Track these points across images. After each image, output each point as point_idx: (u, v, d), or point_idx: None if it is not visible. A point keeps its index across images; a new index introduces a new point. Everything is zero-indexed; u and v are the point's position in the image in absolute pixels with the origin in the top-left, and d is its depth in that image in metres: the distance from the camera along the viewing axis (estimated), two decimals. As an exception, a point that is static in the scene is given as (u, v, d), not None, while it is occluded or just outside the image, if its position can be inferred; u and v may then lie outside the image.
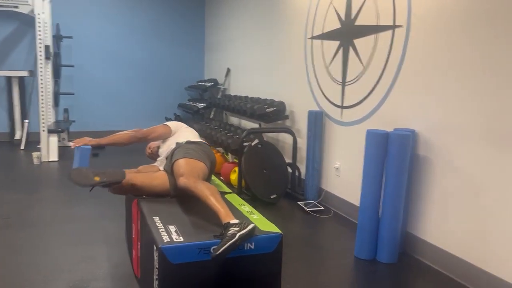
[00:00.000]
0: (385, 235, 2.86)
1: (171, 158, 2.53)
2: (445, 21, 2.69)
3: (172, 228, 2.01)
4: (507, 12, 2.29)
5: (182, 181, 2.23)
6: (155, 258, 1.88)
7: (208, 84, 7.03)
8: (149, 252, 2.05)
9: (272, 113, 4.63)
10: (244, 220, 1.96)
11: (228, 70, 6.78)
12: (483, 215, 2.47)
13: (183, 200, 2.46)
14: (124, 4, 7.46)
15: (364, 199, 2.92)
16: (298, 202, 4.02)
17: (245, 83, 6.15)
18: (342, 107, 3.82)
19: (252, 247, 1.95)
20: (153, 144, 3.04)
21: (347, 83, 3.73)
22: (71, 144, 2.69)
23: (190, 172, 2.30)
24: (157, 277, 1.87)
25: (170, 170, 2.50)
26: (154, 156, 3.05)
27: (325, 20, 4.02)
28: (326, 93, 4.04)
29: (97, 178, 2.23)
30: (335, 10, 3.86)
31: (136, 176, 2.46)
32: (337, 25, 3.84)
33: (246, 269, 1.97)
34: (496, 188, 2.39)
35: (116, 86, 7.60)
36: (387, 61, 3.22)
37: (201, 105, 6.94)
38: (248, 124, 5.83)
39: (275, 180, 4.13)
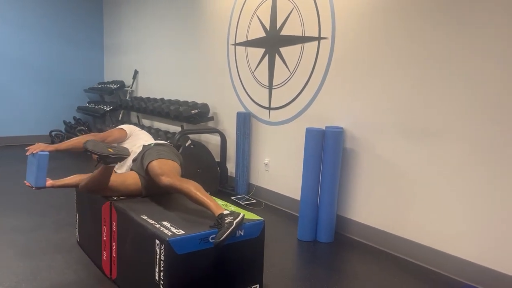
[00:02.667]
0: (324, 219, 3.33)
1: (141, 160, 2.63)
2: (365, 33, 3.25)
3: (166, 224, 2.16)
4: (417, 26, 2.90)
5: (166, 180, 2.37)
6: (159, 251, 2.02)
7: (114, 86, 6.88)
8: (142, 248, 2.17)
9: (197, 115, 4.83)
10: (234, 211, 2.20)
11: (136, 72, 6.73)
12: (402, 194, 3.08)
13: (157, 199, 2.59)
14: (14, 1, 6.86)
15: (305, 188, 3.35)
16: (232, 198, 4.32)
17: (157, 85, 6.19)
18: (269, 108, 4.22)
19: (242, 233, 2.21)
20: (104, 148, 3.04)
21: (274, 87, 4.14)
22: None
23: (170, 172, 2.44)
24: (162, 268, 2.01)
25: (141, 171, 2.60)
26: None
27: (249, 29, 4.37)
28: (253, 96, 4.40)
29: (110, 150, 2.32)
30: (259, 20, 4.23)
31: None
32: (261, 33, 4.22)
33: (238, 253, 2.21)
34: (411, 171, 3.00)
35: (8, 88, 6.96)
36: (313, 68, 3.69)
37: (107, 107, 6.77)
38: (162, 126, 5.92)
39: (208, 178, 4.35)
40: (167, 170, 2.45)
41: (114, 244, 2.50)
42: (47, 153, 2.55)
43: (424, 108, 2.90)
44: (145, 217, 2.25)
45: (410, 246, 3.02)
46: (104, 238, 2.59)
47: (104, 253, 2.60)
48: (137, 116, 6.38)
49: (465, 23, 2.64)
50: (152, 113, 5.46)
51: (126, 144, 2.86)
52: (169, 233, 2.03)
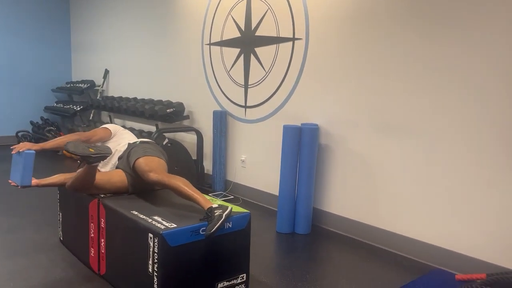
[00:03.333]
0: (301, 212, 3.49)
1: (127, 158, 2.69)
2: (337, 35, 3.43)
3: (157, 218, 2.24)
4: (385, 28, 3.10)
5: (154, 176, 2.45)
6: (152, 244, 2.11)
7: (84, 85, 6.80)
8: (134, 242, 2.25)
9: (172, 114, 4.89)
10: (221, 204, 2.31)
11: (107, 72, 6.69)
12: (374, 186, 3.28)
13: (143, 195, 2.67)
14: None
15: (283, 182, 3.49)
16: (209, 194, 4.40)
17: (129, 84, 6.19)
18: (246, 107, 4.34)
19: (230, 225, 2.32)
20: (86, 147, 3.08)
21: (250, 86, 4.27)
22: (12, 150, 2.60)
23: (157, 168, 2.53)
24: (156, 261, 2.10)
25: (128, 168, 2.67)
26: (87, 158, 3.10)
27: (224, 29, 4.48)
28: (229, 94, 4.51)
29: (91, 150, 2.36)
30: (234, 20, 4.35)
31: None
32: (236, 34, 4.34)
33: (226, 244, 2.33)
34: (382, 164, 3.21)
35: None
36: (288, 67, 3.85)
37: (77, 107, 6.70)
38: (136, 125, 5.94)
39: (185, 176, 4.39)
40: (154, 166, 2.53)
41: (102, 240, 2.55)
42: (33, 151, 2.57)
43: (393, 106, 3.11)
44: (136, 213, 2.33)
45: (383, 234, 3.22)
46: (92, 235, 2.64)
47: (92, 250, 2.65)
48: (109, 116, 6.35)
49: (430, 25, 2.86)
50: (126, 112, 5.46)
51: (110, 143, 2.91)
52: (162, 227, 2.12)
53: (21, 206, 3.90)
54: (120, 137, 2.98)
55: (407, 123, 3.04)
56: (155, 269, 2.11)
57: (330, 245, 3.33)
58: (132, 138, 3.00)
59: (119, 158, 2.78)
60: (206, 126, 4.76)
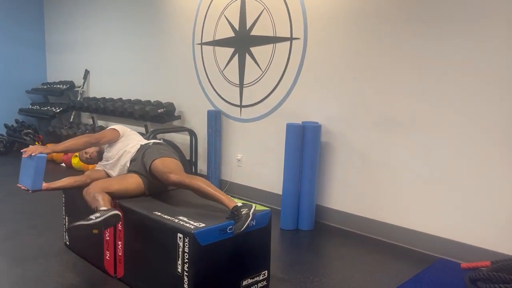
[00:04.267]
0: (305, 208, 3.55)
1: (142, 159, 2.66)
2: (337, 34, 3.51)
3: (183, 218, 2.24)
4: (384, 28, 3.21)
5: (175, 177, 2.44)
6: (182, 244, 2.11)
7: (63, 86, 6.60)
8: (160, 243, 2.25)
9: (164, 114, 4.85)
10: (245, 203, 2.34)
11: (87, 72, 6.52)
12: (376, 181, 3.39)
13: (159, 197, 2.65)
14: None
15: (286, 180, 3.55)
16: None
17: (112, 85, 6.06)
18: (241, 106, 4.36)
19: (254, 223, 2.35)
20: (90, 149, 3.02)
21: (245, 85, 4.29)
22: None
23: (176, 169, 2.52)
24: (186, 260, 2.10)
25: (143, 170, 2.64)
26: (92, 160, 3.04)
27: (217, 28, 4.48)
28: (223, 94, 4.52)
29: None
30: (228, 20, 4.36)
31: (111, 184, 2.52)
32: (230, 34, 4.35)
33: (250, 242, 2.35)
34: (382, 159, 3.32)
35: None
36: (286, 67, 3.90)
37: (56, 109, 6.50)
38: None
39: (181, 176, 4.40)
40: (173, 168, 2.53)
41: (119, 243, 2.52)
42: (45, 155, 2.52)
43: (393, 103, 3.22)
44: (159, 214, 2.32)
45: (387, 228, 3.33)
46: (107, 238, 2.60)
47: (107, 253, 2.61)
48: (92, 118, 6.20)
49: (428, 24, 2.99)
50: (113, 113, 5.35)
51: (118, 144, 2.87)
52: (192, 226, 2.13)
53: (14, 211, 3.77)
54: (128, 138, 2.94)
55: (407, 120, 3.16)
56: (186, 268, 2.12)
57: (335, 240, 3.41)
58: (141, 140, 2.97)
59: (132, 161, 2.74)
60: (199, 125, 4.75)
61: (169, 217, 2.26)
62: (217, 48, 4.52)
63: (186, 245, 2.10)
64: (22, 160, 2.56)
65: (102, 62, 6.23)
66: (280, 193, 3.69)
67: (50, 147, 2.62)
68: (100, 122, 6.25)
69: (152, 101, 5.16)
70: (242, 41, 4.24)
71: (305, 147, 3.49)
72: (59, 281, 2.55)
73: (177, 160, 2.67)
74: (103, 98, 5.92)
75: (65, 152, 2.73)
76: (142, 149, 2.75)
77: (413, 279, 2.71)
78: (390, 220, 3.32)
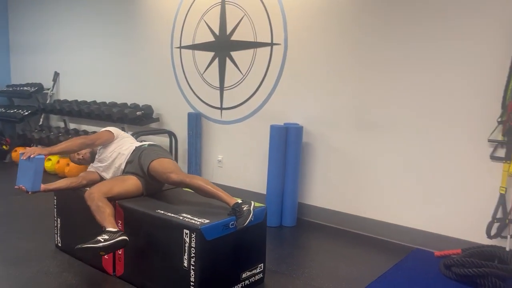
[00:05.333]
0: (288, 206, 3.73)
1: (139, 161, 2.73)
2: (316, 39, 3.72)
3: (186, 215, 2.35)
4: (363, 33, 3.45)
5: (175, 177, 2.54)
6: (188, 239, 2.22)
7: (31, 89, 6.45)
8: (165, 239, 2.35)
9: (142, 116, 4.89)
10: (244, 200, 2.48)
11: (57, 74, 6.41)
12: (354, 178, 3.62)
13: (156, 196, 2.74)
14: None
15: (271, 179, 3.71)
16: (187, 195, 4.49)
17: (84, 88, 5.99)
18: (221, 108, 4.49)
19: (252, 218, 2.48)
20: (83, 150, 3.05)
21: (225, 88, 4.42)
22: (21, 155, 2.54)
23: (176, 169, 2.62)
24: (193, 255, 2.21)
25: (140, 171, 2.72)
26: (84, 161, 3.08)
27: (196, 33, 4.58)
28: (203, 97, 4.62)
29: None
30: (207, 25, 4.47)
31: (112, 188, 2.58)
32: (210, 38, 4.47)
33: (249, 236, 2.49)
34: (360, 158, 3.56)
35: None
36: (267, 71, 4.07)
37: (24, 111, 6.34)
38: (91, 129, 5.76)
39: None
40: (172, 168, 2.62)
41: (120, 241, 2.58)
42: (43, 156, 2.55)
43: (371, 105, 3.47)
44: (162, 212, 2.41)
45: (365, 222, 3.57)
46: (107, 237, 2.65)
47: (106, 252, 2.66)
48: (64, 120, 6.10)
49: (406, 28, 3.26)
50: (89, 116, 5.31)
51: (112, 146, 2.92)
52: (197, 223, 2.24)
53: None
54: (122, 140, 2.99)
55: (383, 120, 3.42)
56: (192, 263, 2.23)
57: (318, 235, 3.61)
58: (134, 142, 3.03)
59: (128, 162, 2.80)
60: (178, 128, 4.82)
61: (172, 214, 2.36)
62: (196, 52, 4.62)
63: (193, 240, 2.21)
64: (19, 162, 2.58)
65: (74, 64, 6.14)
66: (262, 192, 3.86)
67: (48, 149, 2.66)
68: (72, 125, 6.16)
69: (128, 104, 5.17)
70: (223, 46, 4.37)
71: (288, 147, 3.67)
72: (58, 281, 2.57)
73: (174, 160, 2.77)
74: (76, 101, 5.84)
75: (62, 153, 2.75)
76: (138, 150, 2.83)
77: (394, 268, 2.94)
78: (368, 215, 3.56)
